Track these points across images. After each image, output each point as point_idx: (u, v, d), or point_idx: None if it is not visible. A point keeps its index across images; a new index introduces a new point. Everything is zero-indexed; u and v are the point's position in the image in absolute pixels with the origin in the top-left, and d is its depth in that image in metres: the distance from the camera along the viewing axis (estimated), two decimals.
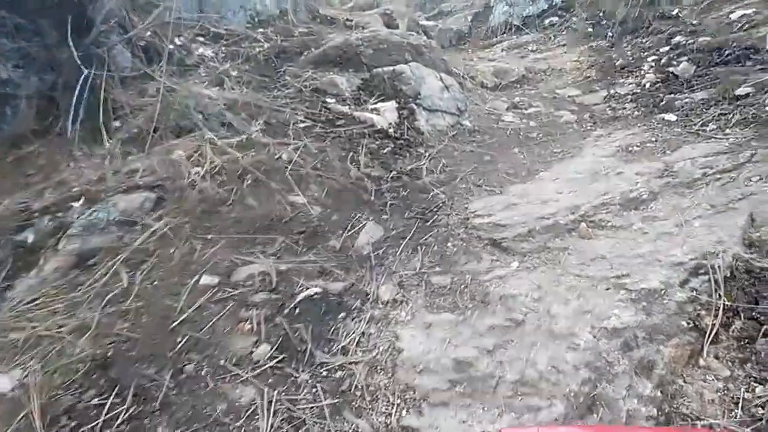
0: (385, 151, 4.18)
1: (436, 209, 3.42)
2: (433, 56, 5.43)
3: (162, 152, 3.75)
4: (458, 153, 4.31)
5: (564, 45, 6.58)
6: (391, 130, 4.45)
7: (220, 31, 5.42)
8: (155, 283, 2.73)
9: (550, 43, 6.82)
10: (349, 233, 3.10)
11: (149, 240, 3.02)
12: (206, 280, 2.68)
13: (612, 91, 5.23)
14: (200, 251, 2.90)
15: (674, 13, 5.97)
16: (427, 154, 4.22)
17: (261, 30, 5.57)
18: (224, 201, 3.27)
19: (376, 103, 4.76)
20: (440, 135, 4.64)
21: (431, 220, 3.29)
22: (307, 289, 2.61)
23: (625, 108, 4.85)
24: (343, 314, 2.51)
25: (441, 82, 5.14)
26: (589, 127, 4.62)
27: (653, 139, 3.97)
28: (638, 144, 3.93)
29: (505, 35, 7.52)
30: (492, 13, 7.96)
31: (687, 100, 4.41)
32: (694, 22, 5.59)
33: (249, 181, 3.44)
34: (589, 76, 5.78)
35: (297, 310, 2.50)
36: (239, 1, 5.64)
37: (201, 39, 5.32)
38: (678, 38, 5.38)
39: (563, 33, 6.85)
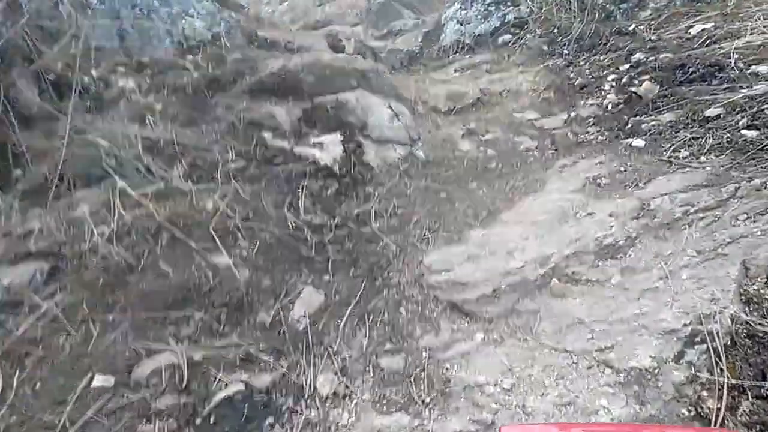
0: (329, 192, 3.71)
1: (386, 264, 2.96)
2: (381, 81, 5.01)
3: (64, 207, 3.19)
4: (411, 190, 3.87)
5: (519, 64, 6.25)
6: (335, 167, 3.99)
7: (144, 59, 4.87)
8: (37, 386, 2.18)
9: (504, 62, 6.48)
10: (283, 302, 2.61)
11: (37, 325, 2.47)
12: (100, 380, 2.15)
13: (573, 114, 4.89)
14: (97, 338, 2.36)
15: (631, 28, 5.71)
16: (376, 194, 3.77)
17: (190, 57, 5.03)
18: (132, 268, 2.74)
19: (319, 136, 4.29)
20: (391, 169, 4.20)
21: (381, 279, 2.84)
22: (227, 386, 2.11)
23: (588, 132, 4.51)
24: (270, 419, 2.02)
25: (390, 110, 4.72)
26: (551, 155, 4.26)
27: (622, 168, 3.62)
28: (606, 175, 3.58)
29: (457, 55, 7.16)
30: (443, 32, 7.61)
31: (654, 122, 4.09)
32: (653, 37, 5.33)
33: (164, 241, 2.92)
34: (547, 98, 5.44)
35: (212, 419, 2.00)
36: (166, 26, 5.10)
37: (122, 69, 4.76)
38: (638, 55, 5.09)
39: (517, 52, 6.54)
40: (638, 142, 3.94)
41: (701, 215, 2.84)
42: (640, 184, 3.34)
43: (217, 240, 2.94)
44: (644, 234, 2.80)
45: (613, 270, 2.61)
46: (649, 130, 4.04)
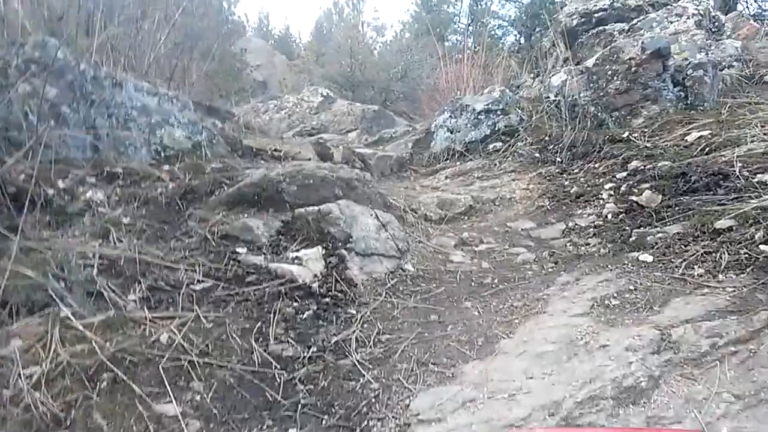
0: (304, 315, 3.30)
1: (366, 409, 2.50)
2: (367, 190, 4.76)
3: None
4: (398, 311, 3.47)
5: (511, 171, 6.09)
6: (315, 285, 3.60)
7: (117, 169, 4.63)
8: None
9: (496, 169, 6.33)
10: None
11: None
12: None
13: (570, 224, 4.61)
14: None
15: (624, 136, 5.59)
16: (359, 317, 3.36)
17: (167, 167, 4.80)
18: (59, 422, 2.27)
19: (298, 250, 3.95)
20: (377, 286, 3.82)
21: (359, 429, 2.37)
22: None
23: (588, 243, 4.19)
24: None
25: (377, 220, 4.42)
26: (551, 270, 3.91)
27: (631, 287, 3.26)
28: (615, 295, 3.21)
29: (448, 161, 7.04)
30: (433, 139, 7.55)
31: (660, 235, 3.78)
32: (648, 145, 5.18)
33: (104, 384, 2.47)
34: (542, 206, 5.20)
35: None
36: (143, 135, 4.91)
37: (92, 180, 4.50)
38: (635, 163, 4.91)
39: (509, 159, 6.40)
40: (646, 257, 3.60)
41: (732, 349, 2.43)
42: (654, 308, 2.96)
43: (166, 382, 2.50)
44: (669, 372, 2.38)
45: (637, 420, 2.16)
46: (656, 243, 3.72)
